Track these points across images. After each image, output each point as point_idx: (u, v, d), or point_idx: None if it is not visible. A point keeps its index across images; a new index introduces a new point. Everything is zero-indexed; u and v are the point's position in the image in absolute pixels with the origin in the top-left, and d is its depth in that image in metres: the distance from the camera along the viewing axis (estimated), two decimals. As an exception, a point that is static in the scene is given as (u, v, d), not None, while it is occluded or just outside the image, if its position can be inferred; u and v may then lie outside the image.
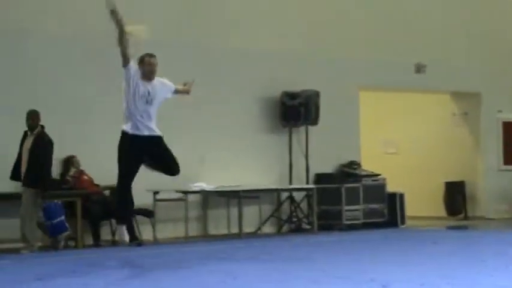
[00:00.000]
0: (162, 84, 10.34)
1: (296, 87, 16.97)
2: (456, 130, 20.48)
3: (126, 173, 10.48)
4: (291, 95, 16.87)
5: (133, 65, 10.10)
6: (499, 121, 20.51)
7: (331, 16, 17.88)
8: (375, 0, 18.55)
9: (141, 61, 10.14)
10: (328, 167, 17.65)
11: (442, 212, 20.43)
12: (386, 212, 17.57)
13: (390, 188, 17.82)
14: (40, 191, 12.71)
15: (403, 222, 17.85)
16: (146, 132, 10.13)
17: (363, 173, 17.56)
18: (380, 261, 10.68)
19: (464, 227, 18.18)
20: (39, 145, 12.64)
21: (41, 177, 12.67)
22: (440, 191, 20.57)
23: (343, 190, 17.02)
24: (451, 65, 19.47)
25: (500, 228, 17.61)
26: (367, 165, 17.87)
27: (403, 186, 18.08)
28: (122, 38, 9.94)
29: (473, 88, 20.08)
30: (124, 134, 10.26)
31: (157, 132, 10.28)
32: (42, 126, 12.79)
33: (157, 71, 10.27)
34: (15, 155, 13.08)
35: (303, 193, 17.16)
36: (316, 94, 16.88)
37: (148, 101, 10.09)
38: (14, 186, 13.65)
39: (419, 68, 19.09)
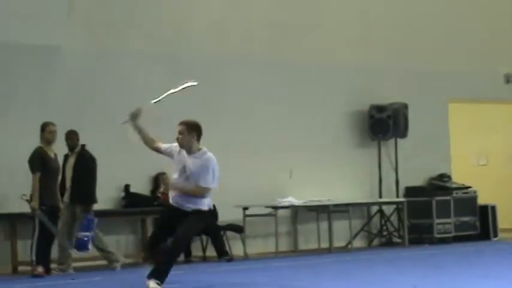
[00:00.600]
0: (201, 167, 9.55)
1: (384, 100, 16.87)
2: None
3: (155, 230, 10.34)
4: (379, 108, 16.78)
5: (165, 146, 9.74)
6: None
7: (418, 29, 17.78)
8: (462, 11, 18.32)
9: None
10: (418, 180, 17.49)
11: None
12: (478, 224, 17.32)
13: (482, 200, 17.57)
14: (85, 206, 12.58)
15: (495, 235, 17.60)
16: (176, 205, 9.55)
17: (454, 185, 17.33)
18: (472, 274, 10.63)
19: None
20: (81, 162, 12.63)
21: (86, 193, 12.63)
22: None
23: (433, 203, 16.82)
24: None
25: None
26: (458, 178, 17.66)
27: (495, 198, 17.87)
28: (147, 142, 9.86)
29: None
30: None
31: (192, 207, 9.50)
32: (83, 145, 12.76)
33: (184, 141, 9.61)
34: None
35: (393, 206, 17.04)
36: (405, 106, 16.74)
37: (186, 177, 9.50)
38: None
39: (509, 79, 18.83)
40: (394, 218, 16.99)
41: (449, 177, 17.51)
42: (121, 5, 14.84)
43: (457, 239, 16.68)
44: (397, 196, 17.04)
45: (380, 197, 16.99)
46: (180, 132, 9.59)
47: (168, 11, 15.31)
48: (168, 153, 9.72)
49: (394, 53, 17.46)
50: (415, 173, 17.39)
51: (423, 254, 14.49)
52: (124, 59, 14.71)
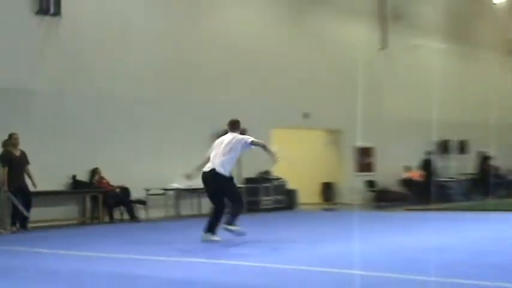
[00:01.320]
0: None
1: None
2: (329, 151, 20.71)
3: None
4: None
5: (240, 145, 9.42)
6: (353, 146, 20.61)
7: (254, 78, 17.74)
8: (286, 64, 18.38)
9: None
10: (252, 173, 17.58)
11: (320, 200, 20.78)
12: (287, 200, 17.74)
13: (289, 186, 17.96)
14: None
15: (296, 207, 18.07)
16: None
17: (273, 177, 17.65)
18: (282, 229, 11.14)
19: (333, 209, 18.52)
20: None
21: None
22: (319, 187, 20.96)
23: (260, 187, 17.23)
24: (325, 112, 19.53)
25: (355, 209, 17.88)
26: (277, 173, 17.66)
27: (297, 185, 18.20)
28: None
29: (337, 127, 20.23)
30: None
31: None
32: None
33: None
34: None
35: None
36: (244, 130, 16.73)
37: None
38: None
39: (306, 115, 19.09)
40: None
41: (270, 172, 17.68)
42: (79, 58, 14.61)
43: (274, 210, 16.98)
44: (240, 183, 16.89)
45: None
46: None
47: (109, 64, 15.14)
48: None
49: (240, 93, 17.56)
50: (251, 169, 17.38)
51: (256, 219, 14.61)
52: (80, 101, 14.55)
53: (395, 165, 21.17)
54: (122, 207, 14.70)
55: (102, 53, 15.16)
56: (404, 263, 6.69)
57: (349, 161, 20.86)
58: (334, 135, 20.65)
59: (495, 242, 8.59)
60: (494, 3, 25.43)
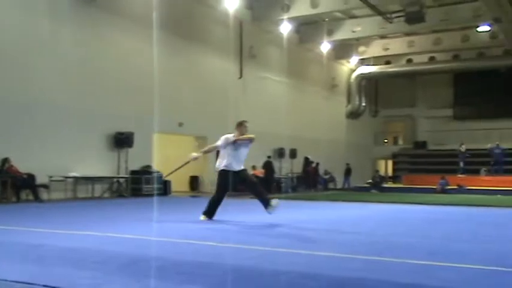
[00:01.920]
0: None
1: (123, 129, 16.86)
2: (196, 152, 20.70)
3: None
4: (120, 133, 16.83)
5: (220, 142, 8.41)
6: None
7: (144, 96, 17.45)
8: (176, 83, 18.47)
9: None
10: (136, 167, 17.49)
11: (188, 189, 21.00)
12: (163, 188, 17.70)
13: (165, 177, 17.61)
14: None
15: (169, 193, 18.14)
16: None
17: (153, 170, 17.54)
18: (164, 212, 10.91)
19: (197, 196, 18.55)
20: None
21: None
22: (188, 179, 21.18)
23: (143, 178, 17.07)
24: (195, 122, 19.65)
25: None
26: (156, 166, 17.78)
27: (171, 177, 17.33)
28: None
29: (203, 134, 20.12)
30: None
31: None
32: None
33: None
34: None
35: (124, 179, 17.06)
36: (132, 134, 16.92)
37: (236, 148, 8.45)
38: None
39: (180, 124, 19.25)
40: (125, 184, 17.00)
41: (151, 166, 17.69)
42: (21, 70, 13.82)
43: (153, 195, 16.77)
44: (126, 174, 17.13)
45: (118, 173, 17.00)
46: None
47: (23, 78, 14.36)
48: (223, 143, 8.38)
49: (130, 107, 17.22)
50: (135, 163, 17.40)
51: (138, 201, 14.66)
52: (29, 106, 13.79)
53: (246, 164, 21.86)
54: (28, 190, 14.04)
55: (20, 70, 14.46)
56: (239, 235, 7.06)
57: (211, 160, 21.16)
58: (201, 140, 20.59)
59: (295, 221, 9.09)
60: (322, 52, 27.22)
